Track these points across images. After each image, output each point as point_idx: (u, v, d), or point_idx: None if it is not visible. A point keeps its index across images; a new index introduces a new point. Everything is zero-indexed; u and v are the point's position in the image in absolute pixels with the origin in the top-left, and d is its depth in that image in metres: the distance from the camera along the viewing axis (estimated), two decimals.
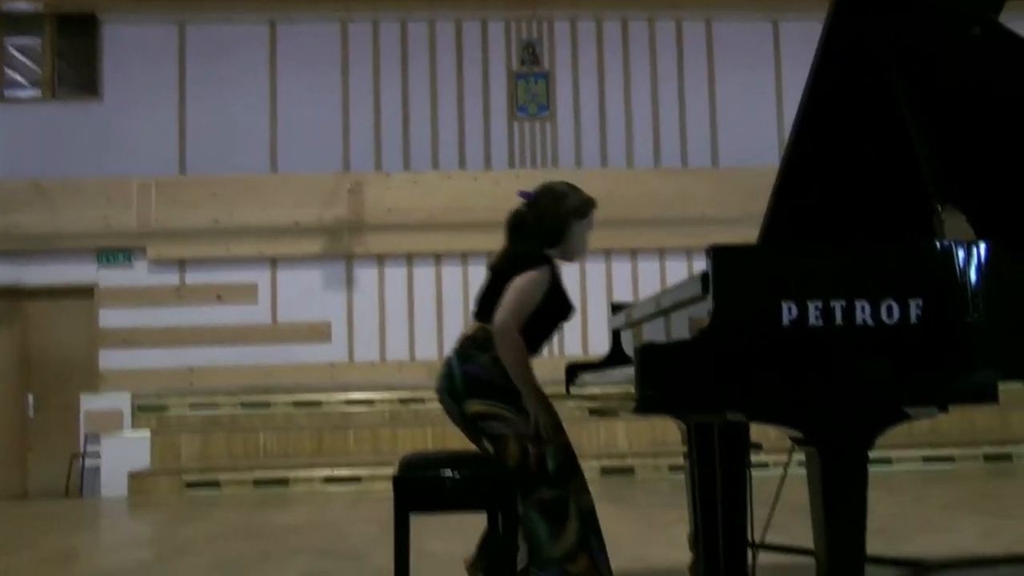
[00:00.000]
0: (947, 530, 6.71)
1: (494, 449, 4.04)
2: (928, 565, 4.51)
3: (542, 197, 4.33)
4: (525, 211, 4.35)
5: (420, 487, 3.99)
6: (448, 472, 3.98)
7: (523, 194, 4.40)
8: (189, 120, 14.06)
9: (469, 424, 4.10)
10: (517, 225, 4.36)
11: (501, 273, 4.23)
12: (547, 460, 4.05)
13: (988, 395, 3.17)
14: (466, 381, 4.12)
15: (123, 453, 12.25)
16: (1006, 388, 3.21)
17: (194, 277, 13.80)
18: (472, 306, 4.34)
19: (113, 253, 13.68)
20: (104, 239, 13.59)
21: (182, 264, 13.79)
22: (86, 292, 13.65)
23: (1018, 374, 3.35)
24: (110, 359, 13.53)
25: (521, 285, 4.10)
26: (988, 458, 11.93)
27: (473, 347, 4.17)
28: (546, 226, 4.27)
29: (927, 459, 11.74)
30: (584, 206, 4.32)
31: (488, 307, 4.18)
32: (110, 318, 13.60)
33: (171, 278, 13.79)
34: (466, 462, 4.00)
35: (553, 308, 4.23)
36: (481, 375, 4.10)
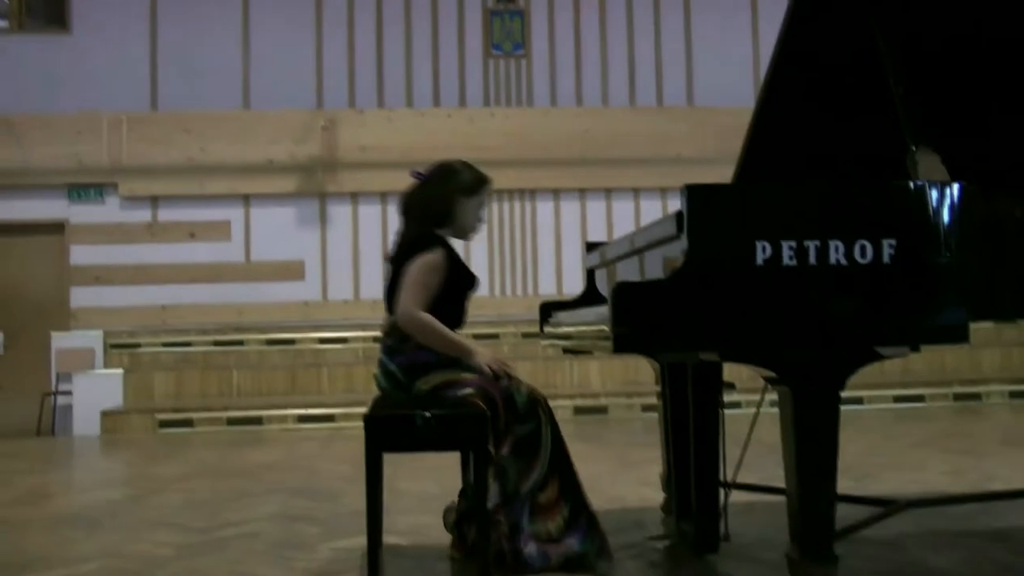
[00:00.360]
0: (916, 468, 6.77)
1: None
2: (897, 503, 4.55)
3: (431, 177, 4.36)
4: (415, 192, 4.37)
5: (392, 426, 4.00)
6: (420, 412, 3.99)
7: (415, 173, 4.41)
8: (160, 55, 13.88)
9: (425, 400, 4.09)
10: (406, 207, 4.39)
11: (398, 262, 4.24)
12: (515, 396, 4.07)
13: (959, 335, 3.18)
14: (404, 370, 4.16)
15: (95, 391, 12.22)
16: (976, 328, 3.23)
17: (167, 214, 13.70)
18: (384, 301, 4.34)
19: (84, 189, 13.56)
20: (75, 175, 13.46)
21: (154, 201, 13.69)
22: (57, 228, 13.53)
23: (989, 314, 3.37)
24: (81, 296, 13.46)
25: (414, 274, 4.12)
26: (958, 397, 12.04)
27: (395, 342, 4.20)
28: (432, 206, 4.30)
29: (897, 399, 11.84)
30: (473, 184, 4.34)
31: (395, 300, 4.20)
32: (81, 255, 13.50)
33: (143, 215, 13.69)
34: (438, 402, 4.00)
35: (457, 285, 4.25)
36: (414, 358, 4.14)
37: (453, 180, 4.32)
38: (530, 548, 3.99)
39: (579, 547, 4.05)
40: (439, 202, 4.29)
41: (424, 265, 4.13)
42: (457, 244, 4.31)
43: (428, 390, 4.09)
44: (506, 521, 4.01)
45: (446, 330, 4.10)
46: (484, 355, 4.12)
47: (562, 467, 4.11)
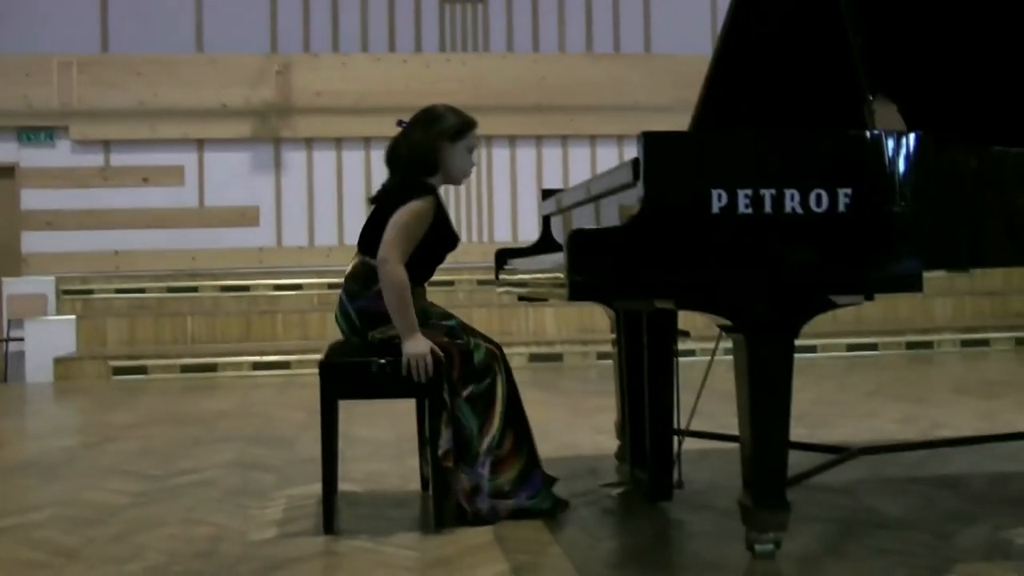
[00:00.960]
0: (868, 416, 6.84)
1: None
2: (849, 451, 4.59)
3: (415, 124, 4.24)
4: (400, 140, 4.26)
5: (347, 373, 3.99)
6: (375, 359, 3.98)
7: (400, 122, 4.31)
8: None
9: (379, 348, 4.06)
10: (392, 157, 4.29)
11: (385, 205, 4.15)
12: (472, 354, 4.05)
13: (913, 284, 3.20)
14: (361, 317, 4.11)
15: (48, 338, 12.09)
16: (929, 277, 3.25)
17: (119, 159, 13.55)
18: (358, 241, 4.25)
19: (34, 132, 13.38)
20: (24, 118, 13.27)
21: (106, 145, 13.52)
22: (7, 172, 13.36)
23: (942, 263, 3.40)
24: (33, 242, 13.32)
25: (402, 219, 4.02)
26: (910, 346, 12.16)
27: (356, 284, 4.13)
28: (418, 155, 4.18)
29: (851, 347, 11.93)
30: (458, 129, 4.21)
31: (369, 240, 4.13)
32: (32, 199, 13.34)
33: (95, 159, 13.52)
34: (393, 349, 3.98)
35: (439, 239, 4.17)
36: (372, 307, 4.06)
37: (437, 126, 4.19)
38: (485, 504, 4.00)
39: (527, 502, 4.06)
40: (425, 150, 4.16)
41: (413, 213, 4.03)
42: None
43: (382, 340, 4.07)
44: (468, 482, 3.99)
45: (410, 303, 3.99)
46: (419, 346, 3.94)
47: (516, 421, 4.10)
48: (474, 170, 4.36)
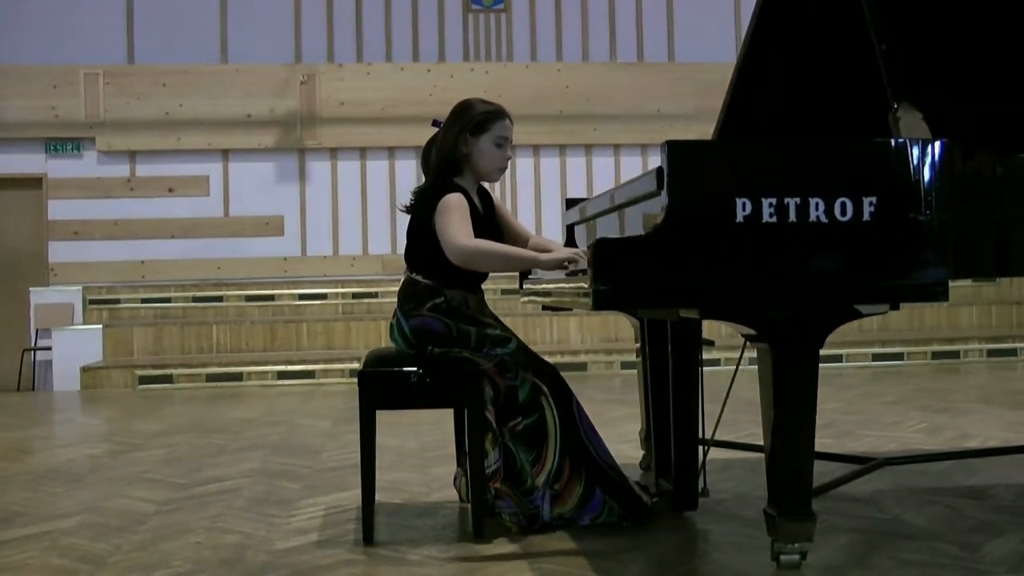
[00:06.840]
0: (894, 426, 6.81)
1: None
2: (875, 461, 4.58)
3: (446, 121, 4.13)
4: (431, 142, 4.19)
5: (386, 383, 3.95)
6: (414, 368, 3.95)
7: (435, 123, 4.20)
8: (136, 7, 13.75)
9: (431, 361, 4.02)
10: (423, 160, 4.23)
11: (415, 214, 4.08)
12: (517, 391, 4.01)
13: (939, 293, 3.19)
14: (416, 335, 4.04)
15: (75, 347, 12.19)
16: (954, 286, 3.24)
17: (145, 169, 13.63)
18: (404, 258, 4.19)
19: (62, 143, 13.48)
20: (52, 129, 13.39)
21: (132, 155, 13.61)
22: (34, 182, 13.46)
23: (968, 272, 3.38)
24: (60, 251, 13.41)
25: (444, 216, 3.89)
26: (936, 355, 12.10)
27: (409, 301, 4.06)
28: (443, 156, 4.07)
29: (876, 356, 11.89)
30: (478, 122, 4.07)
31: (412, 254, 4.08)
32: (59, 209, 13.43)
33: (121, 169, 13.61)
34: (451, 364, 3.96)
35: (481, 231, 4.03)
36: (427, 325, 4.01)
37: (459, 120, 4.06)
38: (549, 520, 3.98)
39: (590, 524, 4.03)
40: (449, 147, 4.05)
41: (448, 207, 3.89)
42: None
43: (441, 355, 4.01)
44: (526, 510, 3.96)
45: (505, 246, 3.93)
46: (551, 261, 3.84)
47: (572, 446, 4.03)
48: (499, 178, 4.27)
